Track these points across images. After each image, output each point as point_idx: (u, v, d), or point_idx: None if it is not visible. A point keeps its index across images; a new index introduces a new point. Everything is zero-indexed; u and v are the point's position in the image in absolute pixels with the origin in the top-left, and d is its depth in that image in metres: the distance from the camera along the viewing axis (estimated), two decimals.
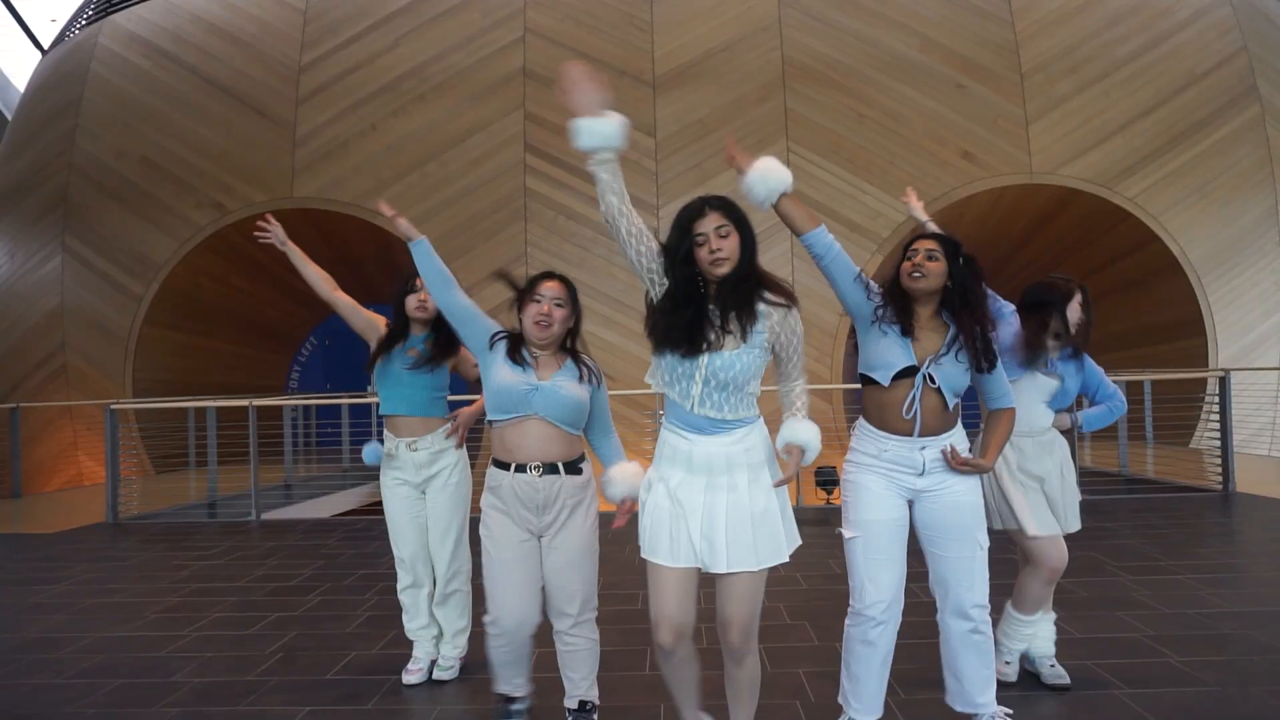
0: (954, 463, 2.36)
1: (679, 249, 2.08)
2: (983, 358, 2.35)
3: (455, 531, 3.20)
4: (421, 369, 3.15)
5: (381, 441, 3.29)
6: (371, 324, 3.30)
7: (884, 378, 2.36)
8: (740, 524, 2.10)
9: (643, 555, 2.18)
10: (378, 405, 3.33)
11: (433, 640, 3.27)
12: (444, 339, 3.17)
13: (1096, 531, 5.69)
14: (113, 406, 7.42)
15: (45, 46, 15.10)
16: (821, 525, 6.25)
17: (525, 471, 2.41)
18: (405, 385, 3.16)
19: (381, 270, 13.34)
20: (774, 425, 2.21)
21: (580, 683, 2.55)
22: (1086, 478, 7.48)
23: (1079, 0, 12.10)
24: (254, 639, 3.79)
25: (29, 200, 12.99)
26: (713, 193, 2.16)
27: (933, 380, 2.34)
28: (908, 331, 2.35)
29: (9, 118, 15.49)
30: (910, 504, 2.45)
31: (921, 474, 2.39)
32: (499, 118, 11.65)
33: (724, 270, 2.07)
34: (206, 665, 3.44)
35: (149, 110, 12.40)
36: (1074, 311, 3.00)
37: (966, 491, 2.41)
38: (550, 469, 2.43)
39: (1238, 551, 5.14)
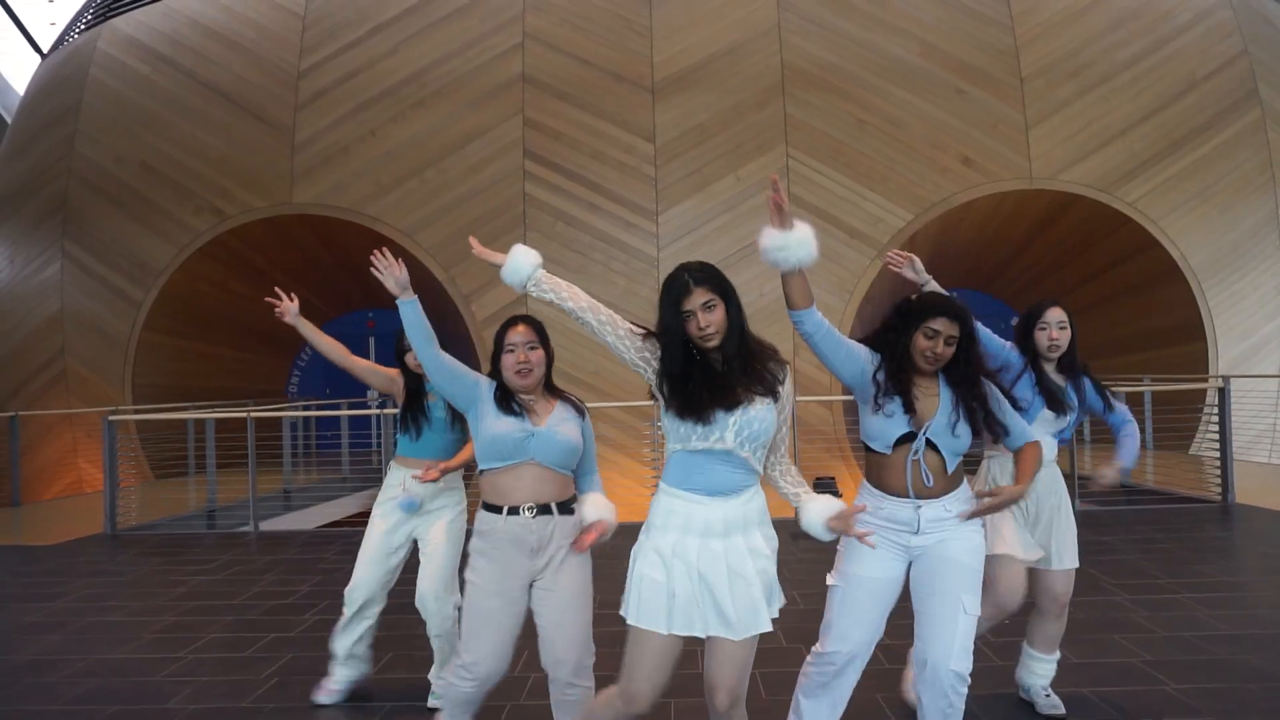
0: (978, 509, 2.34)
1: (671, 327, 2.10)
2: (986, 429, 2.37)
3: (449, 565, 3.19)
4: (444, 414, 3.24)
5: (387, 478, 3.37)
6: (390, 380, 3.35)
7: (883, 447, 2.37)
8: (744, 586, 2.09)
9: (630, 622, 2.13)
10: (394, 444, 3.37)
11: (356, 666, 3.31)
12: None
13: (1095, 546, 5.68)
14: (111, 418, 7.42)
15: (45, 50, 15.09)
16: (816, 539, 6.24)
17: (518, 514, 2.39)
18: (438, 433, 3.23)
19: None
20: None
21: None
22: (1086, 486, 7.48)
23: (1079, 4, 12.08)
24: (250, 662, 3.79)
25: (28, 205, 13.00)
26: (695, 260, 2.17)
27: (932, 444, 2.33)
28: (910, 408, 2.33)
29: (9, 121, 15.50)
30: (910, 564, 2.43)
31: (916, 532, 2.36)
32: (498, 123, 11.64)
33: (713, 344, 2.09)
34: (202, 690, 3.44)
35: (148, 115, 12.40)
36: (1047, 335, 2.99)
37: (963, 552, 2.35)
38: (544, 510, 2.41)
39: (1236, 569, 5.13)
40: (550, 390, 2.55)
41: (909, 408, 2.33)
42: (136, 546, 6.61)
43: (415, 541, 3.30)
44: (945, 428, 2.33)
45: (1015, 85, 11.75)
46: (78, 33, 14.13)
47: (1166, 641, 3.71)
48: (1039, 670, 3.08)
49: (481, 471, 2.46)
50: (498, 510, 2.40)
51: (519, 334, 2.47)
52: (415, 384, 3.29)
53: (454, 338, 12.58)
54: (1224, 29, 12.25)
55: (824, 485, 7.46)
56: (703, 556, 2.08)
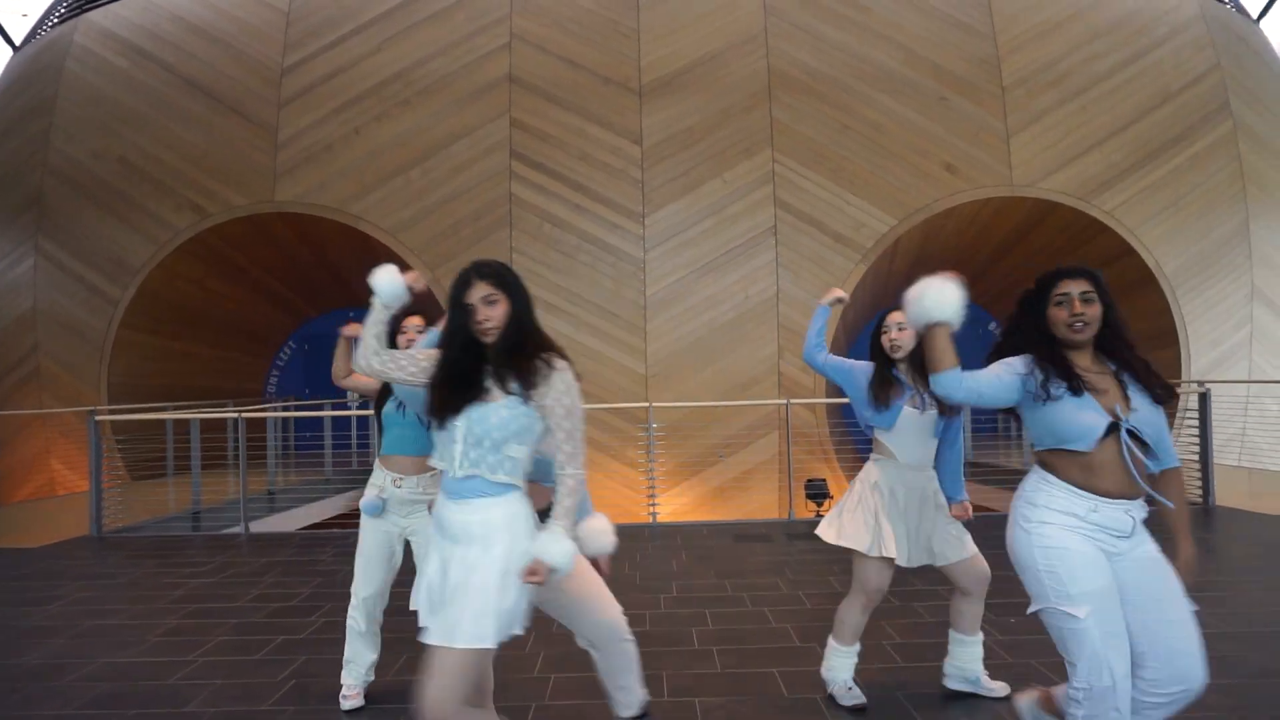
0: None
1: (454, 321, 2.12)
2: (1159, 389, 2.18)
3: None
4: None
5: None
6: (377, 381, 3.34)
7: (1088, 445, 2.12)
8: (462, 596, 2.01)
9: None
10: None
11: (366, 669, 3.30)
12: None
13: None
14: (97, 417, 7.29)
15: (17, 43, 14.78)
16: (814, 539, 6.29)
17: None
18: (405, 425, 3.18)
19: (363, 276, 13.19)
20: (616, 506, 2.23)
21: (634, 688, 2.64)
22: None
23: (1059, 16, 12.31)
24: (263, 665, 3.75)
25: (1, 200, 12.72)
26: (486, 259, 2.18)
27: (1136, 434, 2.13)
28: (1079, 389, 2.13)
29: None
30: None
31: (1129, 536, 2.15)
32: (484, 124, 11.60)
33: (491, 338, 2.10)
34: (219, 694, 3.40)
35: (126, 110, 12.19)
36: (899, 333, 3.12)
37: (1157, 549, 2.21)
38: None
39: (1225, 569, 5.26)
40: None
41: (1077, 389, 2.12)
42: (125, 549, 6.50)
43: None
44: (1141, 405, 2.14)
45: (997, 94, 11.94)
46: (51, 25, 13.86)
47: None
48: (973, 655, 3.24)
49: None
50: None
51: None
52: None
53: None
54: (1198, 43, 12.55)
55: (815, 487, 7.53)
56: (440, 563, 2.10)
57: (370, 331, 2.26)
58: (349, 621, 3.26)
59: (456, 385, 2.09)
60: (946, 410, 3.07)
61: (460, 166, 11.58)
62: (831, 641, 3.24)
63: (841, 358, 3.31)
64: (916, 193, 11.65)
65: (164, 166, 11.98)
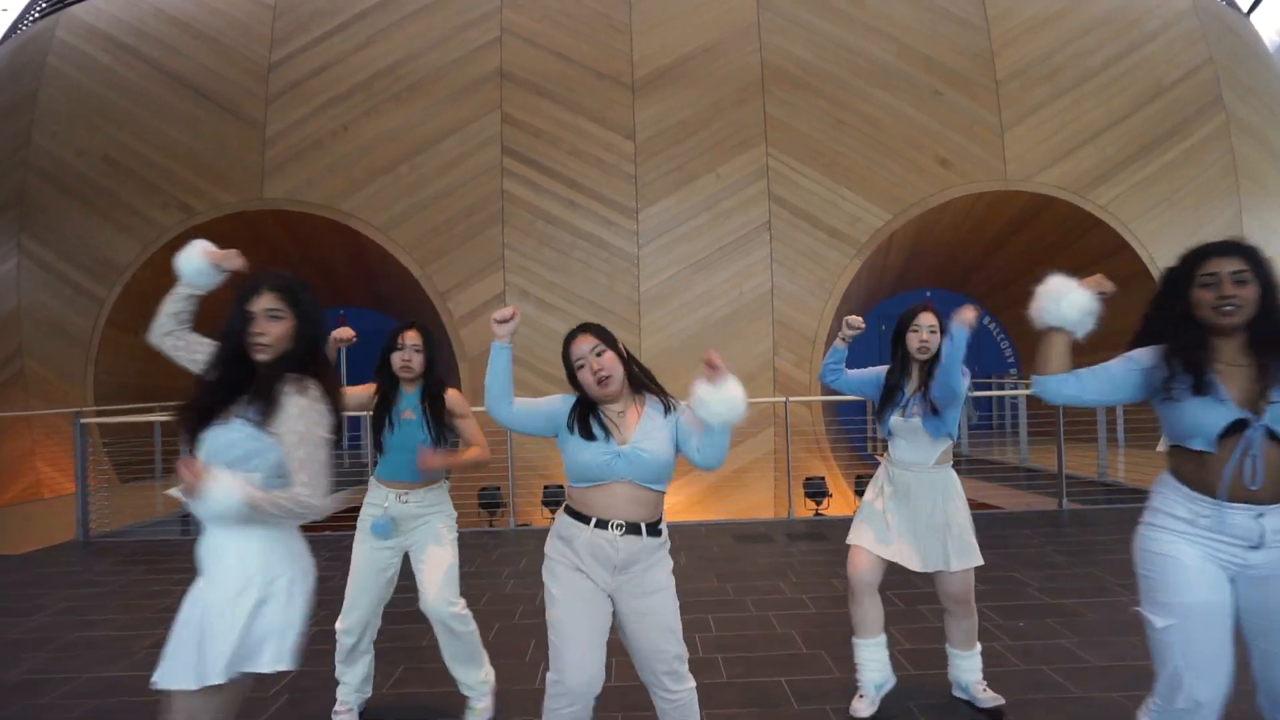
0: None
1: (229, 325, 1.99)
2: None
3: (451, 571, 3.08)
4: (421, 433, 3.07)
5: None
6: (362, 399, 3.17)
7: (1206, 444, 1.93)
8: (210, 630, 1.92)
9: None
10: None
11: (358, 684, 3.20)
12: (434, 398, 3.10)
13: (1090, 545, 5.74)
14: (83, 420, 7.15)
15: None
16: (814, 540, 6.23)
17: (606, 529, 2.27)
18: (409, 450, 3.03)
19: (352, 273, 13.10)
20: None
21: None
22: (1069, 486, 7.56)
23: (1052, 9, 12.25)
24: (254, 679, 3.63)
25: None
26: (284, 271, 2.06)
27: (1274, 433, 1.88)
28: (1203, 387, 1.93)
29: None
30: (1232, 581, 1.98)
31: (1257, 547, 1.91)
32: (475, 119, 11.47)
33: (264, 356, 1.96)
34: None
35: (111, 107, 12.00)
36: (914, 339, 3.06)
37: None
38: (633, 529, 2.29)
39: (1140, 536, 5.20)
40: (636, 390, 2.39)
41: (1201, 386, 1.92)
42: (112, 554, 6.37)
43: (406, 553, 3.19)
44: None
45: (991, 88, 11.88)
46: (32, 20, 13.63)
47: None
48: (965, 666, 3.15)
49: (570, 486, 2.37)
50: (585, 520, 2.29)
51: (583, 344, 2.34)
52: (390, 390, 3.13)
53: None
54: (1190, 36, 12.51)
55: (814, 485, 7.46)
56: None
57: (166, 309, 2.16)
58: (338, 639, 3.16)
59: (204, 400, 1.95)
60: (934, 410, 3.01)
61: (451, 163, 11.45)
62: (854, 638, 3.17)
63: (862, 371, 3.24)
64: (911, 187, 11.58)
65: (150, 164, 11.79)
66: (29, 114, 12.30)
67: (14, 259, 12.11)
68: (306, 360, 1.99)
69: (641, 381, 2.38)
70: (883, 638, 3.13)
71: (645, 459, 2.27)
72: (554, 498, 8.43)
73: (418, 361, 3.09)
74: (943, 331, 3.02)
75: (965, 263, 13.60)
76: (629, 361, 2.36)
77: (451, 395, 3.17)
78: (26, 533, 7.30)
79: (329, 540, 6.72)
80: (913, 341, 3.05)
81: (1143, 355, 2.07)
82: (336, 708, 3.17)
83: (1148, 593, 2.05)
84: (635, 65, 11.56)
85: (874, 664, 3.11)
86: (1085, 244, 12.31)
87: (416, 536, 3.11)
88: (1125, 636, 3.85)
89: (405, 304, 12.74)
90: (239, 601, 1.89)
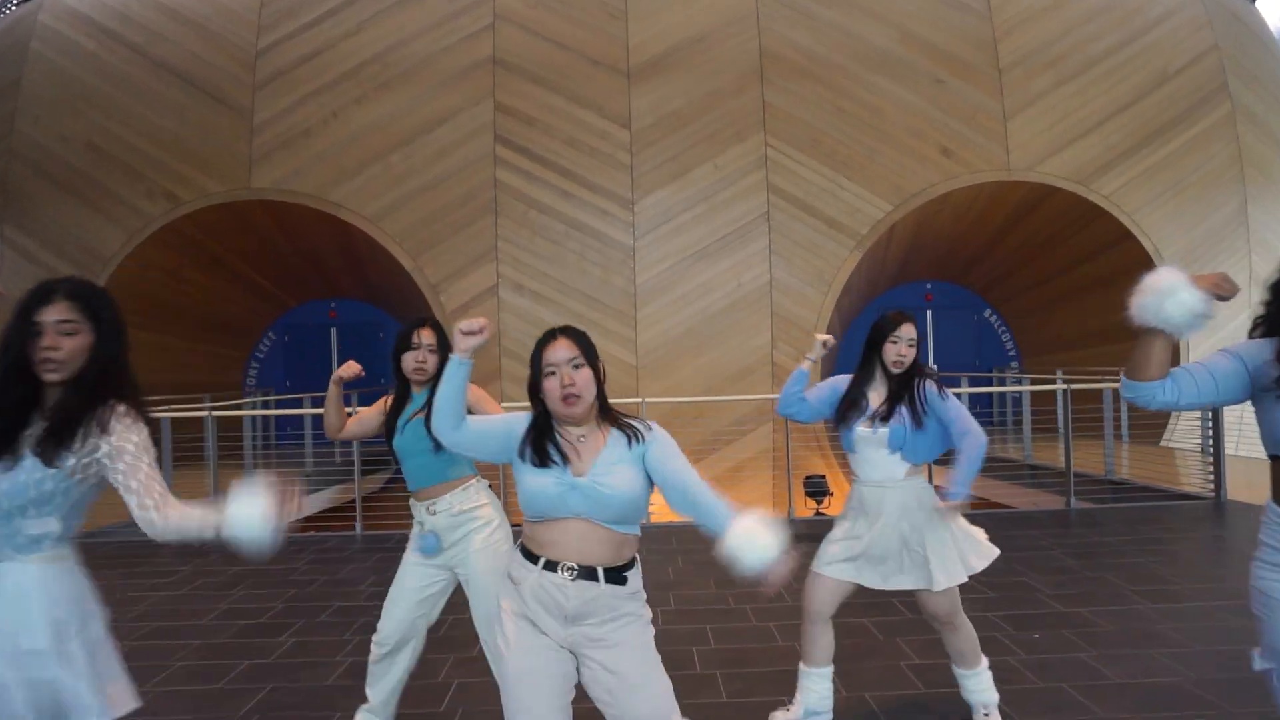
0: None
1: (9, 335, 1.70)
2: None
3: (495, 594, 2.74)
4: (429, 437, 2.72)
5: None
6: (379, 415, 2.94)
7: None
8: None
9: None
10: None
11: (378, 705, 2.86)
12: None
13: (1099, 547, 5.56)
14: None
15: None
16: (816, 542, 6.02)
17: (556, 571, 1.91)
18: (420, 454, 2.76)
19: (343, 263, 12.85)
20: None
21: None
22: (1076, 484, 7.37)
23: None
24: (226, 696, 3.44)
25: None
26: (82, 277, 1.79)
27: None
28: None
29: None
30: None
31: None
32: (468, 107, 11.21)
33: (54, 376, 1.70)
34: None
35: (95, 93, 11.71)
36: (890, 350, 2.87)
37: None
38: (587, 573, 1.91)
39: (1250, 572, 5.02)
40: (606, 417, 2.02)
41: None
42: (88, 555, 6.11)
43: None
44: None
45: (994, 75, 11.65)
46: (14, 5, 13.33)
47: (1205, 657, 3.54)
48: (971, 687, 2.95)
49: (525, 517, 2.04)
50: (534, 560, 1.95)
51: (559, 348, 1.96)
52: (403, 392, 2.86)
53: None
54: (1195, 23, 12.27)
55: (814, 484, 7.27)
56: None
57: None
58: (371, 647, 2.86)
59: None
60: (918, 422, 2.81)
61: (443, 151, 11.20)
62: (800, 664, 2.98)
63: (820, 385, 3.04)
64: (912, 177, 11.36)
65: (135, 152, 11.53)
66: (12, 100, 12.01)
67: None
68: (104, 386, 1.73)
69: (611, 412, 2.03)
70: (829, 669, 2.96)
71: (604, 495, 1.90)
72: None
73: (433, 363, 2.78)
74: (920, 340, 2.87)
75: (967, 254, 13.39)
76: (601, 385, 2.02)
77: (469, 392, 2.79)
78: None
79: (313, 542, 6.53)
80: (890, 353, 2.84)
81: (1248, 349, 1.82)
82: None
83: (1260, 633, 1.84)
84: (631, 52, 11.31)
85: (815, 693, 2.94)
86: (1089, 234, 12.10)
87: (459, 555, 2.76)
88: (1142, 649, 3.65)
89: (397, 296, 12.51)
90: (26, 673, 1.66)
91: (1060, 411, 11.27)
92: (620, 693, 1.89)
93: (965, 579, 2.82)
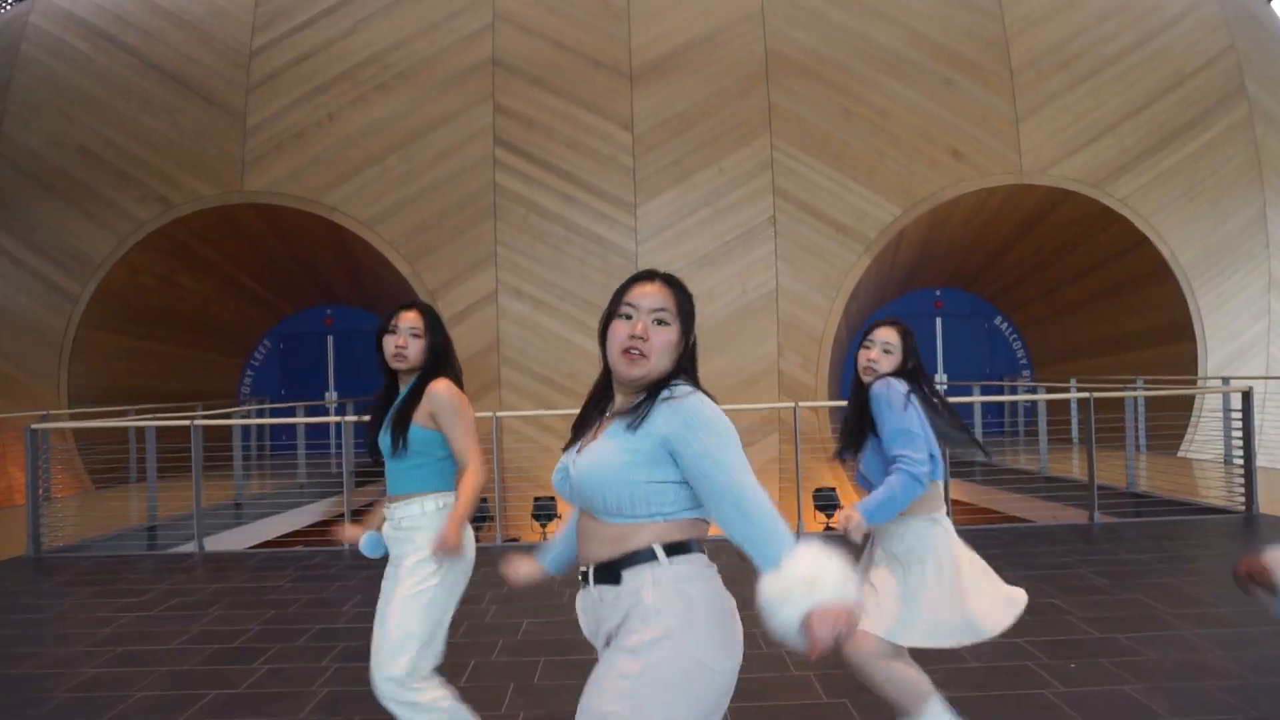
0: None
1: None
2: None
3: (397, 619, 2.34)
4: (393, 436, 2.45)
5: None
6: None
7: None
8: None
9: None
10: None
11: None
12: (414, 386, 2.49)
13: (1129, 566, 5.23)
14: (34, 426, 6.64)
15: None
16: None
17: (585, 580, 1.58)
18: (391, 459, 2.47)
19: (339, 267, 12.58)
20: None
21: None
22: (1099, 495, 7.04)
23: None
24: None
25: None
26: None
27: None
28: None
29: None
30: None
31: None
32: (467, 109, 10.96)
33: None
34: None
35: (87, 95, 11.47)
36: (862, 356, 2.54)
37: None
38: (604, 575, 1.53)
39: None
40: (650, 394, 1.55)
41: None
42: (63, 572, 5.85)
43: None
44: None
45: (1005, 76, 11.37)
46: (5, 6, 13.12)
47: (1263, 691, 3.22)
48: None
49: None
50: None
51: (651, 297, 1.58)
52: (391, 385, 2.57)
53: None
54: (1211, 23, 11.99)
55: (824, 496, 6.95)
56: None
57: None
58: None
59: None
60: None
61: (441, 154, 10.94)
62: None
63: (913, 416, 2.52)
64: (922, 180, 11.08)
65: (126, 155, 11.28)
66: (1, 103, 11.78)
67: None
68: None
69: (657, 389, 1.55)
70: (938, 699, 2.45)
71: (576, 479, 1.55)
72: (546, 510, 7.91)
73: (415, 349, 2.47)
74: (906, 351, 2.50)
75: (977, 260, 13.08)
76: (685, 360, 1.61)
77: (436, 388, 2.44)
78: None
79: (297, 559, 6.22)
80: (860, 358, 2.52)
81: None
82: None
83: None
84: (634, 53, 11.05)
85: None
86: (1103, 239, 11.80)
87: (394, 563, 2.47)
88: (1195, 681, 3.33)
89: (394, 302, 12.21)
90: None
91: (1075, 420, 11.02)
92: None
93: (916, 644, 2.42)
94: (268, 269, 12.72)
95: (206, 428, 8.43)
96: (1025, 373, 13.91)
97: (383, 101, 11.04)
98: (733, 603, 1.58)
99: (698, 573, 1.53)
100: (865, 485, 2.48)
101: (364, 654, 3.26)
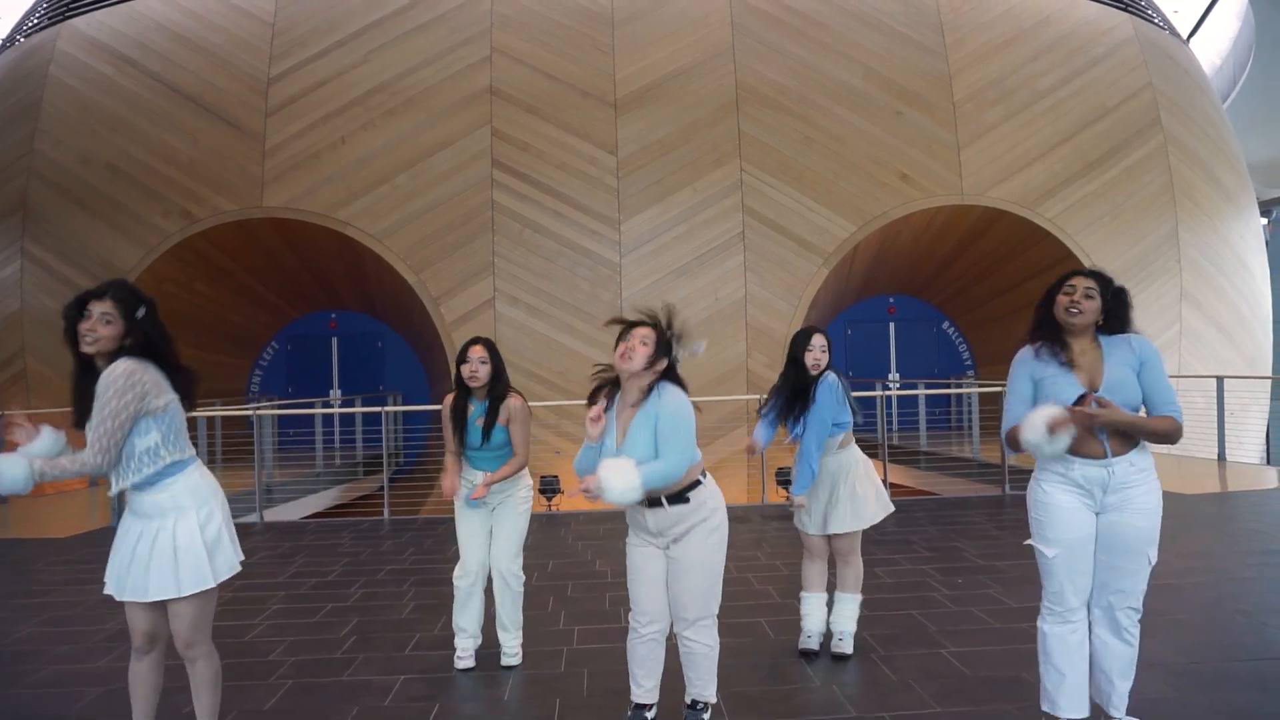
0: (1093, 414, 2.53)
1: None
2: None
3: (515, 539, 3.71)
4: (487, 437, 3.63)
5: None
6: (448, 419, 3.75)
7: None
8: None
9: None
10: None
11: (474, 630, 3.73)
12: (496, 398, 3.64)
13: (1023, 521, 6.56)
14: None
15: None
16: (785, 519, 7.00)
17: (660, 505, 2.75)
18: (480, 450, 3.63)
19: (347, 277, 13.68)
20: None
21: (696, 681, 2.89)
22: (1011, 475, 8.39)
23: (1004, 36, 13.21)
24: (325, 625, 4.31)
25: None
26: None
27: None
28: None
29: None
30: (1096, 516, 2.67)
31: (1107, 491, 2.62)
32: (467, 133, 12.13)
33: None
34: (294, 646, 3.97)
35: (113, 116, 12.49)
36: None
37: (1143, 514, 2.63)
38: (654, 502, 2.74)
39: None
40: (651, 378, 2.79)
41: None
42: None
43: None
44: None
45: (948, 109, 12.79)
46: (28, 32, 14.05)
47: None
48: (844, 611, 3.79)
49: None
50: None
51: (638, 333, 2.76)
52: (464, 396, 3.66)
53: (423, 339, 13.01)
54: (1131, 62, 13.53)
55: (786, 474, 8.23)
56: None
57: None
58: (456, 588, 3.73)
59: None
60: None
61: (444, 174, 12.10)
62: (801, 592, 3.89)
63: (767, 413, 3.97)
64: (874, 201, 12.44)
65: (152, 172, 12.30)
66: (32, 122, 12.75)
67: (17, 262, 12.56)
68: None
69: (651, 388, 2.79)
70: (823, 595, 3.82)
71: (640, 456, 2.72)
72: (550, 487, 9.13)
73: (484, 372, 3.57)
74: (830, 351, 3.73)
75: (926, 271, 14.51)
76: (668, 371, 2.79)
77: (511, 403, 3.62)
78: (58, 521, 7.85)
79: (346, 525, 7.37)
80: (808, 360, 3.67)
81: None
82: (458, 654, 3.71)
83: (1039, 530, 2.82)
84: (618, 85, 12.30)
85: (813, 615, 3.80)
86: (1034, 254, 13.25)
87: (500, 509, 3.72)
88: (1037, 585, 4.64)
89: (399, 309, 13.37)
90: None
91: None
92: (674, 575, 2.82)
93: (875, 521, 3.76)
94: (280, 277, 13.78)
95: (225, 420, 9.54)
96: (970, 372, 15.36)
97: (391, 126, 12.18)
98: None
99: (714, 488, 2.90)
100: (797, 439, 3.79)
101: (432, 581, 4.46)
